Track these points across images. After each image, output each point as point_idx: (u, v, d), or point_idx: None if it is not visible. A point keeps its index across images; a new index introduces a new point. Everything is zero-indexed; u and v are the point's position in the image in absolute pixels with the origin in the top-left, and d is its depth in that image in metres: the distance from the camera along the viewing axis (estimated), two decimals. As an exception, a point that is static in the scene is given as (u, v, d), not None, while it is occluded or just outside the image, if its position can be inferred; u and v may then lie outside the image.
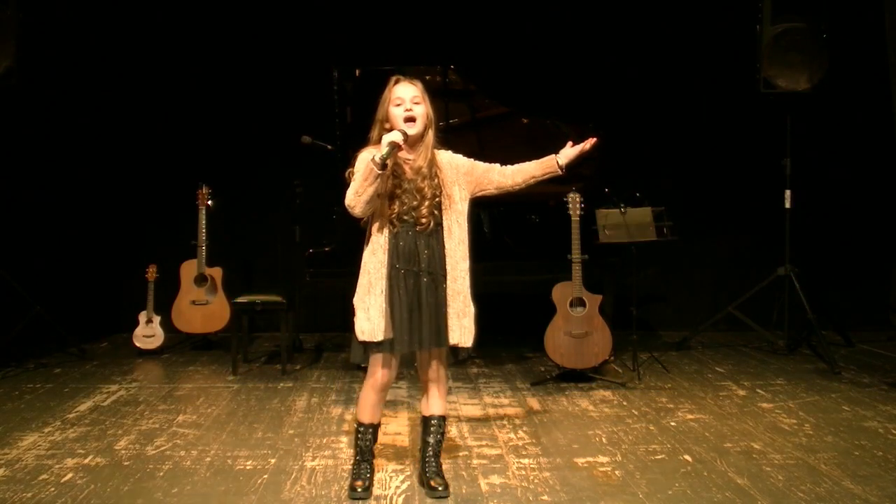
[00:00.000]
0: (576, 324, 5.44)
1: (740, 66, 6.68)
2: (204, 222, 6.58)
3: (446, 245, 3.54)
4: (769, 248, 6.88)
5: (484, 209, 5.80)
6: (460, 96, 6.19)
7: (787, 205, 6.45)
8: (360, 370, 5.07)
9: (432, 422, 3.67)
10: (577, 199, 5.38)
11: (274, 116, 7.14)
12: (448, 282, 3.53)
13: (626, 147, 6.78)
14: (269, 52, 7.26)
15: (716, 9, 7.14)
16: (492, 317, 7.16)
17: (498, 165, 3.70)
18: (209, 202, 6.61)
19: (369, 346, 3.50)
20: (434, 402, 3.67)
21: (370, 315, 3.47)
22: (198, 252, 6.59)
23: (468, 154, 3.46)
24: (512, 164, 3.74)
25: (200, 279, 6.60)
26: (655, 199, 5.79)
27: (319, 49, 7.08)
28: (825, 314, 6.67)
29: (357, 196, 3.41)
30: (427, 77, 6.13)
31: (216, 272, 6.62)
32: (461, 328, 3.52)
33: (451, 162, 3.62)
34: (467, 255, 3.58)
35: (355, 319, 3.52)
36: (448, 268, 3.53)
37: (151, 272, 6.54)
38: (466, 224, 3.59)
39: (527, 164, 3.72)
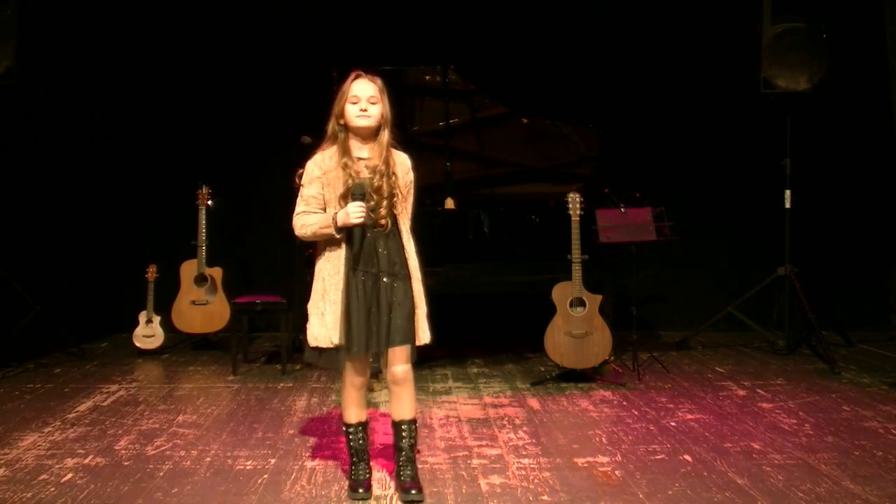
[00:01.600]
0: (576, 324, 5.43)
1: (740, 66, 6.68)
2: (204, 222, 6.58)
3: (405, 245, 3.53)
4: (769, 248, 6.88)
5: (484, 209, 5.81)
6: (460, 96, 6.19)
7: (787, 205, 6.45)
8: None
9: (403, 427, 3.60)
10: (577, 199, 5.38)
11: (274, 116, 7.14)
12: (406, 281, 3.51)
13: (626, 147, 6.78)
14: (268, 51, 7.26)
15: (716, 9, 7.14)
16: (492, 317, 7.26)
17: (406, 220, 3.58)
18: (209, 202, 6.61)
19: (324, 351, 3.49)
20: (403, 406, 3.60)
21: (325, 321, 3.46)
22: (198, 252, 6.59)
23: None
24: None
25: (200, 279, 6.60)
26: (655, 199, 5.79)
27: (319, 49, 7.08)
28: (825, 314, 6.68)
29: (314, 236, 3.50)
30: (427, 77, 6.13)
31: (216, 272, 6.62)
32: (419, 328, 3.53)
33: (404, 169, 3.58)
34: (413, 252, 3.57)
35: (308, 325, 3.51)
36: (406, 267, 3.52)
37: (151, 272, 6.54)
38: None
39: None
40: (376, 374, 5.27)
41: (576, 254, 5.36)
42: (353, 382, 3.59)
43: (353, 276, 3.47)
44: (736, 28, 6.84)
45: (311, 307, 3.52)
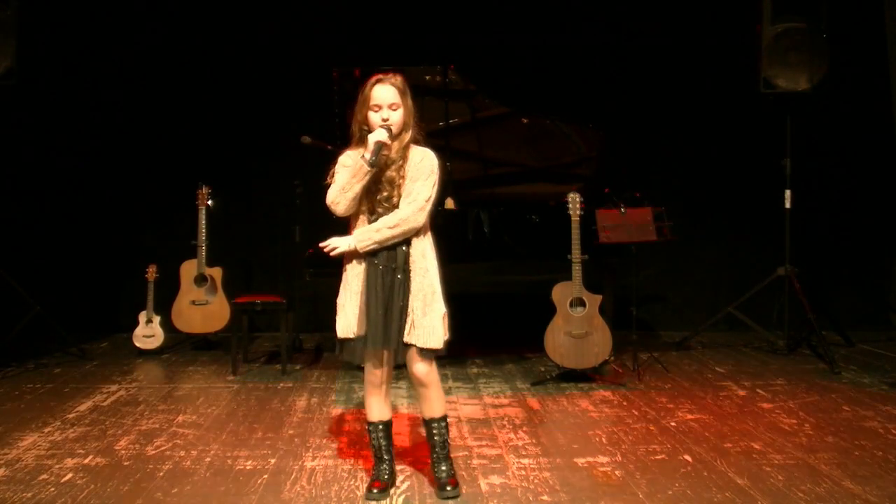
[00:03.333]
0: (576, 324, 5.43)
1: (740, 66, 6.68)
2: (204, 222, 6.58)
3: (412, 238, 3.52)
4: (769, 248, 6.88)
5: (484, 209, 5.81)
6: (460, 96, 6.18)
7: (787, 205, 6.45)
8: (359, 370, 5.07)
9: (433, 424, 3.66)
10: (577, 199, 5.38)
11: (274, 116, 7.15)
12: (413, 277, 3.51)
13: (626, 147, 6.78)
14: (268, 52, 7.26)
15: (716, 9, 7.15)
16: (492, 317, 7.26)
17: (406, 203, 3.49)
18: (209, 202, 6.61)
19: (346, 344, 3.53)
20: (430, 405, 3.64)
21: (346, 312, 3.52)
22: (198, 252, 6.59)
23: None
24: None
25: (200, 279, 6.60)
26: (655, 199, 5.79)
27: (319, 49, 7.08)
28: (825, 314, 6.67)
29: (342, 192, 3.45)
30: (427, 77, 6.13)
31: (216, 272, 6.62)
32: (422, 327, 3.48)
33: (420, 160, 3.53)
34: (427, 251, 3.54)
35: (336, 318, 3.56)
36: (415, 263, 3.51)
37: (151, 272, 6.54)
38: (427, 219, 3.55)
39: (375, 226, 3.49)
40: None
41: (576, 254, 5.36)
42: (370, 379, 3.63)
43: (373, 270, 3.50)
44: (736, 28, 6.84)
45: (338, 300, 3.57)
